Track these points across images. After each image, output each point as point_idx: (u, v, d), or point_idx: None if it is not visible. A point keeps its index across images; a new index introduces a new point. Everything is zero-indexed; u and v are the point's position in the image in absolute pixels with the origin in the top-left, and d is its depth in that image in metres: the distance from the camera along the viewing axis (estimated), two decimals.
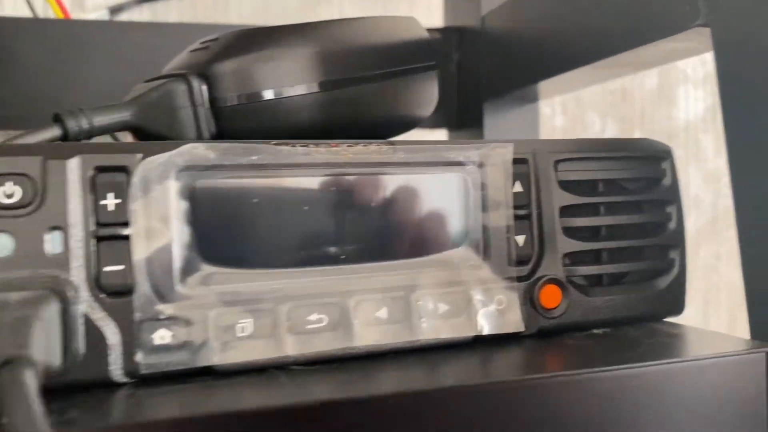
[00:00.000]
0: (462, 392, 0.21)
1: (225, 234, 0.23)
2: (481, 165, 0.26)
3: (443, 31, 0.56)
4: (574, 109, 0.70)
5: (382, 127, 0.34)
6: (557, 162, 0.27)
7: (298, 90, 0.29)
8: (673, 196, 0.28)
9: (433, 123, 0.56)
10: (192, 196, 0.22)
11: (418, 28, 0.35)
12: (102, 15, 0.57)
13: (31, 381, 0.16)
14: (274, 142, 0.24)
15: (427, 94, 0.35)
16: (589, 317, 0.27)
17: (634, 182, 0.28)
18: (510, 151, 0.26)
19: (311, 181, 0.24)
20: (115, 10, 0.57)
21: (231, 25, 0.57)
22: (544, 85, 0.47)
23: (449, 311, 0.25)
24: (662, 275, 0.28)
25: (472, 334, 0.25)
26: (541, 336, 0.26)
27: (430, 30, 0.56)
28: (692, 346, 0.25)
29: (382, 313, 0.24)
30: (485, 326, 0.25)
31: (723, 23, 0.29)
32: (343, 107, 0.30)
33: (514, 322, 0.25)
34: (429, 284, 0.25)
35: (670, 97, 0.71)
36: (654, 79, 0.70)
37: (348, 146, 0.24)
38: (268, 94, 0.29)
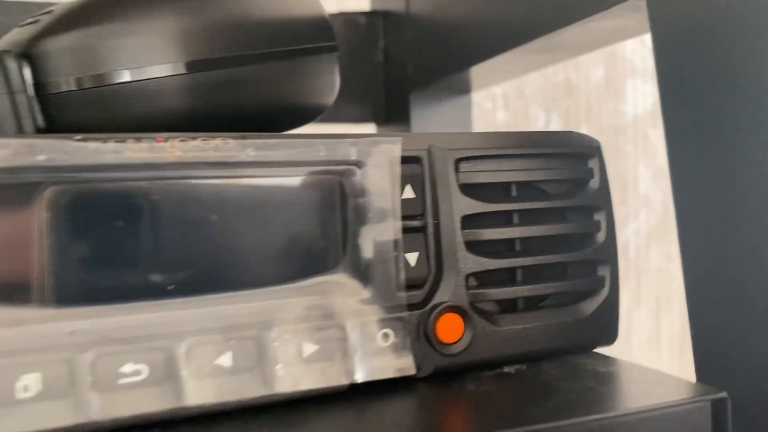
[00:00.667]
0: None
1: (7, 263, 0.17)
2: (359, 165, 0.20)
3: (369, 15, 0.50)
4: (517, 103, 0.65)
5: (270, 117, 0.28)
6: (459, 161, 0.22)
7: (159, 71, 0.24)
8: (602, 201, 0.23)
9: (358, 117, 0.51)
10: None
11: (313, 3, 0.29)
12: None
13: None
14: (79, 136, 0.18)
15: (325, 80, 0.30)
16: (500, 352, 0.22)
17: (555, 185, 0.23)
18: (397, 148, 0.21)
19: (126, 188, 0.18)
20: None
21: None
22: (476, 73, 0.42)
23: (317, 353, 0.19)
24: (589, 297, 0.23)
25: (346, 382, 0.19)
26: (439, 378, 0.21)
27: (355, 14, 0.51)
28: (623, 391, 0.20)
29: (225, 359, 0.18)
30: (365, 371, 0.20)
31: None
32: (218, 93, 0.25)
33: (403, 363, 0.20)
34: (290, 319, 0.19)
35: (617, 91, 0.67)
36: (600, 71, 0.66)
37: (181, 141, 0.19)
38: (118, 77, 0.23)
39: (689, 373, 0.23)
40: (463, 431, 0.17)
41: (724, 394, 0.18)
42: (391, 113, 0.49)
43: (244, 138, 0.19)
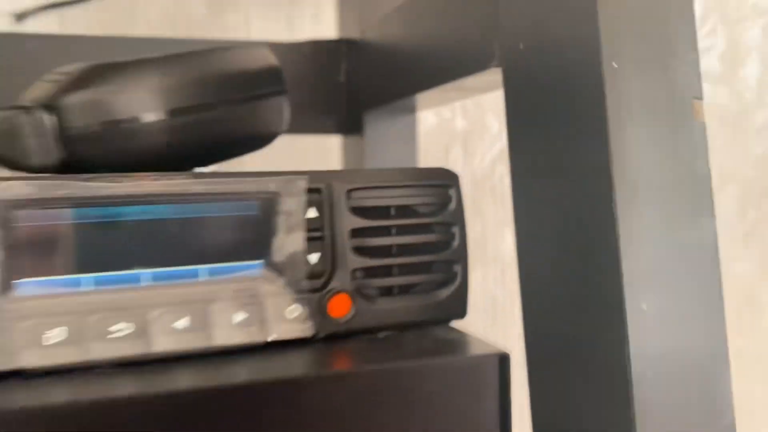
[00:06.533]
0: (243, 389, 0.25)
1: (38, 257, 0.27)
2: (278, 194, 0.30)
3: (334, 42, 0.60)
4: (474, 111, 0.74)
5: (233, 146, 0.38)
6: (350, 191, 0.31)
7: (149, 117, 0.33)
8: (457, 218, 0.33)
9: (326, 129, 0.60)
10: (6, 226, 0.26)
11: (267, 57, 0.39)
12: (6, 22, 0.60)
13: None
14: (86, 176, 0.28)
15: (275, 116, 0.39)
16: (377, 323, 0.31)
17: (424, 206, 0.33)
18: (305, 182, 0.30)
19: (121, 209, 0.28)
20: (21, 16, 0.60)
21: (138, 38, 0.59)
22: (421, 98, 0.51)
23: (245, 320, 0.29)
24: (446, 285, 0.33)
25: (263, 339, 0.29)
26: (331, 339, 0.30)
27: (324, 41, 0.60)
28: (444, 349, 0.29)
29: (183, 323, 0.28)
30: (277, 333, 0.29)
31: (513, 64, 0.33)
32: (191, 132, 0.35)
33: (305, 329, 0.30)
34: (227, 297, 0.29)
35: None
36: None
37: (153, 179, 0.28)
38: (120, 122, 0.32)
39: None
40: (337, 364, 0.26)
41: (506, 353, 0.28)
42: (352, 127, 0.59)
43: (196, 177, 0.29)
